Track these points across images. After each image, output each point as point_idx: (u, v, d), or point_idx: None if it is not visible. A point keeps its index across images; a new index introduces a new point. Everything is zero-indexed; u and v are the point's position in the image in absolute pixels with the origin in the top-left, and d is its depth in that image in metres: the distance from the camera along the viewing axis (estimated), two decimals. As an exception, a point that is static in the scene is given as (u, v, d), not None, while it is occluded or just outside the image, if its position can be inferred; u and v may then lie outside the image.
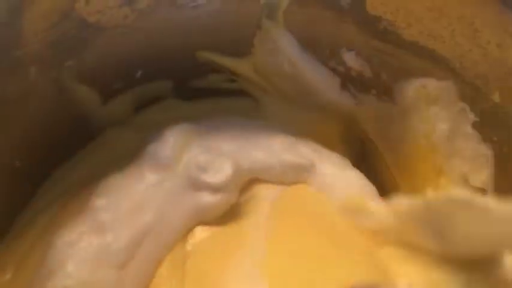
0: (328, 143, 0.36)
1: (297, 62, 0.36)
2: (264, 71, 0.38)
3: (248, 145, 0.34)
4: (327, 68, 0.36)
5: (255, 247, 0.30)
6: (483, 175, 0.32)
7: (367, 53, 0.34)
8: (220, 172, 0.31)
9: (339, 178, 0.34)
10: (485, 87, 0.31)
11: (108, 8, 0.32)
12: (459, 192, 0.26)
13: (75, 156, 0.37)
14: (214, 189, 0.31)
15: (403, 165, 0.35)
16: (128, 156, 0.34)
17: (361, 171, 0.35)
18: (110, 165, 0.33)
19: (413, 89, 0.33)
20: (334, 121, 0.38)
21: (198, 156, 0.32)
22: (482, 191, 0.32)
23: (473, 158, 0.32)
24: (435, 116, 0.33)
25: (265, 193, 0.33)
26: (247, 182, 0.33)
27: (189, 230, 0.32)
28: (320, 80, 0.37)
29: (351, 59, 0.35)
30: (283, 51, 0.36)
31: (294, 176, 0.34)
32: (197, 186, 0.31)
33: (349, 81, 0.36)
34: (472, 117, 0.32)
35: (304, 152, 0.35)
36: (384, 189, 0.36)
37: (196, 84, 0.39)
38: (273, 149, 0.34)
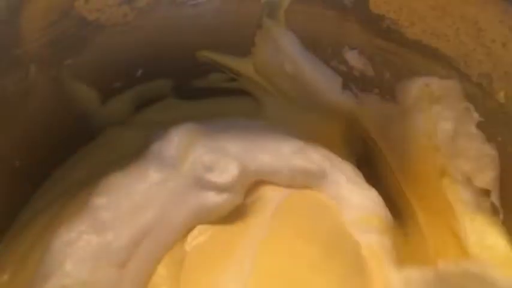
0: (329, 143, 0.36)
1: (298, 61, 0.36)
2: (265, 70, 0.37)
3: (254, 147, 0.34)
4: (328, 67, 0.36)
5: (252, 248, 0.30)
6: (487, 176, 0.32)
7: (370, 51, 0.34)
8: (226, 172, 0.31)
9: (356, 194, 0.34)
10: (490, 86, 0.30)
11: (108, 7, 0.32)
12: (471, 265, 0.26)
13: (75, 156, 0.37)
14: (220, 189, 0.31)
15: (407, 166, 0.35)
16: (128, 156, 0.34)
17: (365, 175, 0.35)
18: (110, 165, 0.33)
19: (417, 87, 0.33)
20: (336, 121, 0.38)
21: (204, 156, 0.32)
22: (487, 191, 0.32)
23: (478, 158, 0.32)
24: (438, 116, 0.33)
25: (271, 195, 0.33)
26: (253, 184, 0.33)
27: (190, 229, 0.31)
28: (322, 80, 0.36)
29: (353, 58, 0.35)
30: (284, 51, 0.36)
31: (302, 181, 0.34)
32: (203, 185, 0.31)
33: (351, 80, 0.36)
34: (476, 116, 0.32)
35: (314, 158, 0.34)
36: (389, 194, 0.35)
37: (196, 84, 0.39)
38: (280, 153, 0.34)
